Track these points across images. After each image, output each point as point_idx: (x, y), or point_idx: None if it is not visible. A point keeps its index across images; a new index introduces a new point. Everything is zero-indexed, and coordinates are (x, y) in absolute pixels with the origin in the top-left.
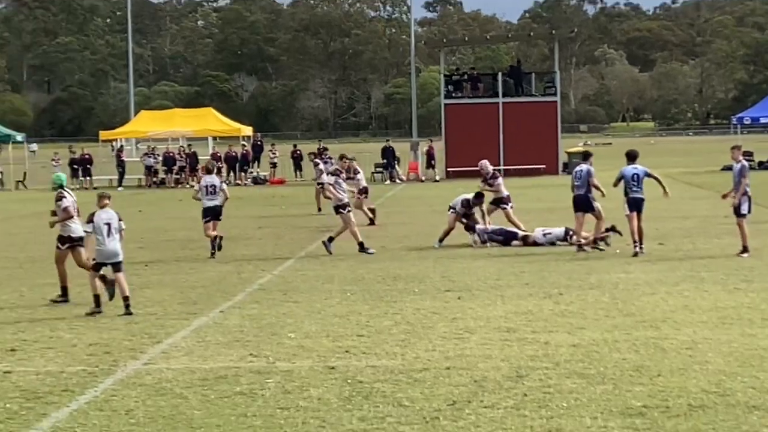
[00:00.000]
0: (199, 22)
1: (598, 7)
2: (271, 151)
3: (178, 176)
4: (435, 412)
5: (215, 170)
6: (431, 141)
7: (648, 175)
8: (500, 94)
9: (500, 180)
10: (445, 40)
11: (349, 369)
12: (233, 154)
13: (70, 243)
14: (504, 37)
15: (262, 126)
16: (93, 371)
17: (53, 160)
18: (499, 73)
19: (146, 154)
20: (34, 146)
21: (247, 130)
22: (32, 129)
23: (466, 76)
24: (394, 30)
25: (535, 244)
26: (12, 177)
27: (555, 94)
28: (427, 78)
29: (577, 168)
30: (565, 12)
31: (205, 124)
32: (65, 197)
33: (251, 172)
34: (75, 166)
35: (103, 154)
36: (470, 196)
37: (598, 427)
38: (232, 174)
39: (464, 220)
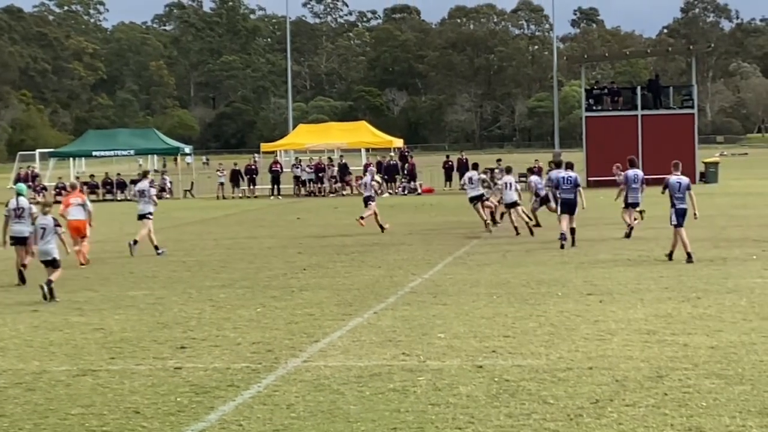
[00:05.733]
0: (353, 41)
1: (735, 23)
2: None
3: (326, 186)
4: (578, 409)
5: None
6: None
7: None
8: (639, 107)
9: None
10: (585, 56)
11: (496, 368)
12: (393, 163)
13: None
14: (643, 53)
15: (412, 138)
16: (256, 368)
17: (218, 170)
18: (638, 87)
19: (294, 165)
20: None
21: (398, 142)
22: (198, 142)
23: (606, 90)
24: (536, 46)
25: None
26: (180, 186)
27: (692, 107)
28: (568, 92)
29: (563, 175)
30: (702, 28)
31: (359, 137)
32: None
33: (402, 182)
34: (238, 176)
35: (263, 165)
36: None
37: (736, 426)
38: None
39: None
